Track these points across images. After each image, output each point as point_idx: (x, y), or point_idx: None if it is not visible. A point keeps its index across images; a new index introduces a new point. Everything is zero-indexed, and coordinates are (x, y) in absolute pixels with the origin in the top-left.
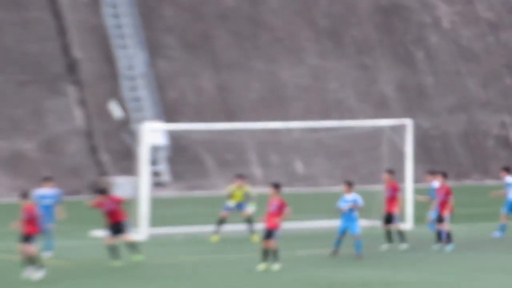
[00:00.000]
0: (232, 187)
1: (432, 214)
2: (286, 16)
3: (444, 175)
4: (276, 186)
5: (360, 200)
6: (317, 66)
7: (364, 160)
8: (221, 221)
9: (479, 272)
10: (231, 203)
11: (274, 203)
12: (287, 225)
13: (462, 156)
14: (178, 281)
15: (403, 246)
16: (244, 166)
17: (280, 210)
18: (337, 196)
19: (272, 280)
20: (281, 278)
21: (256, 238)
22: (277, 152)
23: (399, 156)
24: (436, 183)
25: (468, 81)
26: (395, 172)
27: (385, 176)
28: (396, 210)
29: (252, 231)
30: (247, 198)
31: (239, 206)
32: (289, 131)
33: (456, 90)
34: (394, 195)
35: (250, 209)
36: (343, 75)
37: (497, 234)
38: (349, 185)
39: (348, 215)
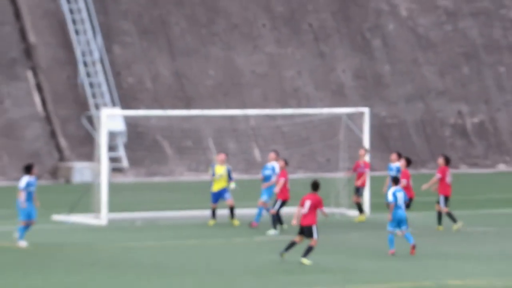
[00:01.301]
0: (214, 168)
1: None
2: (243, 2)
3: (408, 161)
4: (314, 185)
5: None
6: (274, 54)
7: (321, 147)
8: (214, 212)
9: (435, 259)
10: (213, 188)
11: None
12: (247, 211)
13: (419, 145)
14: (138, 264)
15: (270, 232)
16: (201, 153)
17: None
18: (294, 182)
19: (231, 266)
20: (240, 264)
21: (237, 222)
22: (234, 139)
23: (356, 144)
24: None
25: (425, 70)
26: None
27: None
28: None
29: (233, 216)
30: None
31: (221, 194)
32: (246, 118)
33: (413, 79)
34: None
35: (232, 186)
36: (300, 63)
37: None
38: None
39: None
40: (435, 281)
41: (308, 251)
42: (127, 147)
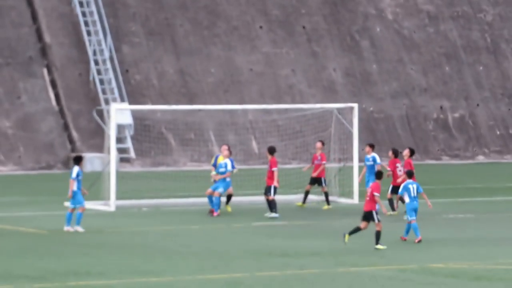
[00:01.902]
0: (218, 158)
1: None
2: (241, 7)
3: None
4: (378, 173)
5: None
6: (270, 53)
7: (314, 140)
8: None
9: (419, 244)
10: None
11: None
12: (244, 199)
13: (404, 138)
14: (144, 247)
15: (272, 214)
16: (203, 145)
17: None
18: (289, 172)
19: (230, 249)
20: (239, 247)
21: (229, 209)
22: (234, 132)
23: (346, 136)
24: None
25: (410, 69)
26: (276, 150)
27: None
28: (271, 183)
29: (228, 202)
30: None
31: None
32: (245, 112)
33: (398, 77)
34: (272, 170)
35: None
36: (295, 62)
37: None
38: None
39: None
40: (419, 265)
41: (378, 236)
42: (134, 139)
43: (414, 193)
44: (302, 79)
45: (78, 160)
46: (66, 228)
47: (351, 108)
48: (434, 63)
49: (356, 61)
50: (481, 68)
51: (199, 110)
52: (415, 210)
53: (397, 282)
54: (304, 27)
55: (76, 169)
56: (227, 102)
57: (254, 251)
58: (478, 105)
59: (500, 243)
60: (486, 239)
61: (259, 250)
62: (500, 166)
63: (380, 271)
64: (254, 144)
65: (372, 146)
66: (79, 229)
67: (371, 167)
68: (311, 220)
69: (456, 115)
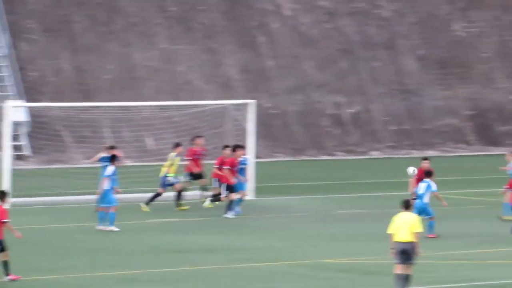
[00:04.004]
0: (172, 156)
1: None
2: (139, 3)
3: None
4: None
5: None
6: (168, 50)
7: (210, 136)
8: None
9: (313, 239)
10: (171, 177)
11: None
12: (139, 196)
13: (299, 133)
14: (40, 245)
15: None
16: (99, 142)
17: None
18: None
19: (124, 246)
20: (133, 244)
21: (185, 207)
22: (129, 128)
23: (242, 133)
24: None
25: (306, 65)
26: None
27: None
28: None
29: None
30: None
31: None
32: (140, 109)
33: (294, 73)
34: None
35: (182, 178)
36: (192, 58)
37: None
38: None
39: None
40: (312, 260)
41: None
42: (31, 136)
43: (421, 191)
44: (198, 75)
45: (113, 159)
46: (98, 227)
47: (248, 104)
48: (331, 58)
49: (253, 57)
50: (377, 63)
51: (95, 107)
52: (418, 210)
53: (291, 277)
54: (201, 23)
55: (111, 167)
56: (124, 99)
57: (148, 248)
58: (373, 100)
59: None
60: (379, 234)
61: (153, 247)
62: (393, 162)
63: (275, 266)
64: (149, 141)
65: (243, 148)
66: (114, 228)
67: (243, 170)
68: (206, 216)
69: (352, 110)
